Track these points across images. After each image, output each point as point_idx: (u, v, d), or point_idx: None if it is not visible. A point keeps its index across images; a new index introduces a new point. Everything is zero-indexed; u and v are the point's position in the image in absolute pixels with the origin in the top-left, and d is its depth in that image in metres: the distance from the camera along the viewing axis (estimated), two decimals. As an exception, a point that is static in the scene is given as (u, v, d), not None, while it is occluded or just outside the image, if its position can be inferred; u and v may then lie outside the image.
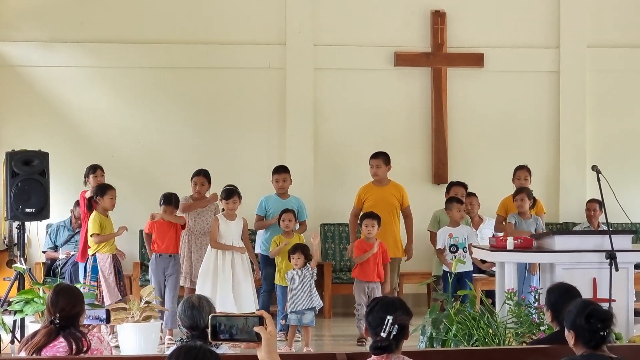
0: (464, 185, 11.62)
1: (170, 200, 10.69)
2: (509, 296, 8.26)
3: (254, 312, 3.95)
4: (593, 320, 4.89)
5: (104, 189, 10.55)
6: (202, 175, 11.14)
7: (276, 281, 10.64)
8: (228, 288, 10.34)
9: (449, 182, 12.22)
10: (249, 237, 10.92)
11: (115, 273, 10.39)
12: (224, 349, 6.07)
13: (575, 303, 5.12)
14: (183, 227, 10.71)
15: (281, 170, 11.26)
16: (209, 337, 3.85)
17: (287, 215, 10.71)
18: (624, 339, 8.30)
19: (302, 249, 10.12)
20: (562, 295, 6.19)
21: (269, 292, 10.88)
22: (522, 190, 11.17)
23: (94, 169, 11.15)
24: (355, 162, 11.80)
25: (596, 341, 4.89)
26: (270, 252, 10.69)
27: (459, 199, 11.10)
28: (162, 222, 10.61)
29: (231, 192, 10.60)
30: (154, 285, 10.38)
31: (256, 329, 3.77)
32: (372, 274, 10.43)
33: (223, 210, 10.73)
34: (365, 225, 10.49)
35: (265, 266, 10.80)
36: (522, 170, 11.75)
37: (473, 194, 11.80)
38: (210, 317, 3.81)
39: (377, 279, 10.46)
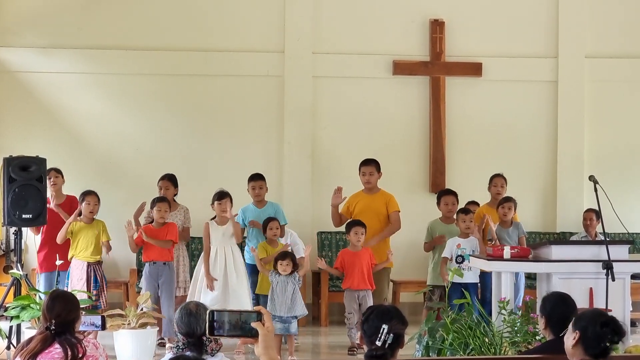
0: (454, 194, 11.51)
1: (162, 198, 10.69)
2: (502, 305, 8.28)
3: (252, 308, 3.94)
4: (606, 328, 4.86)
5: (82, 195, 10.60)
6: (167, 179, 11.16)
7: (257, 291, 10.58)
8: (215, 296, 10.29)
9: (438, 191, 12.11)
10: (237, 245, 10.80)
11: (87, 281, 10.36)
12: (221, 356, 6.07)
13: (592, 309, 5.11)
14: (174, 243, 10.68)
15: (257, 178, 11.19)
16: (207, 332, 3.85)
17: (273, 224, 10.68)
18: (620, 349, 8.29)
19: (291, 257, 10.10)
20: (557, 304, 6.19)
21: (256, 301, 10.77)
22: (509, 200, 11.15)
23: (48, 172, 11.04)
24: (352, 171, 11.76)
25: (600, 350, 4.87)
26: (260, 259, 10.60)
27: (464, 209, 11.02)
28: (155, 230, 10.59)
29: (223, 194, 10.55)
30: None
31: (253, 324, 3.77)
32: (362, 282, 10.41)
33: (214, 217, 10.69)
34: (354, 233, 10.46)
35: (250, 275, 10.71)
36: (498, 178, 11.72)
37: (476, 203, 11.75)
38: (207, 312, 3.82)
39: (367, 286, 10.44)
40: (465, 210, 10.98)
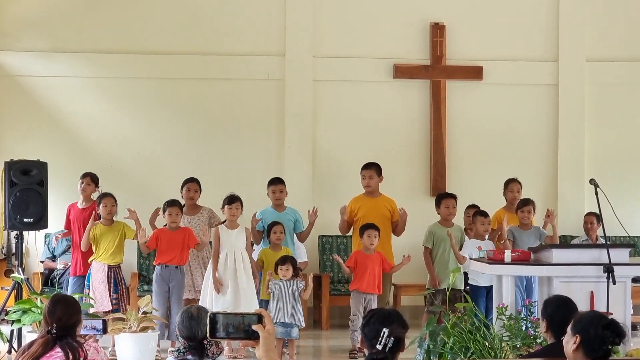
0: (453, 197, 11.43)
1: (174, 202, 10.68)
2: (500, 311, 8.28)
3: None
4: (607, 331, 4.87)
5: (99, 198, 10.59)
6: (195, 182, 11.15)
7: (260, 296, 10.51)
8: (226, 300, 10.28)
9: (437, 194, 12.09)
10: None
11: (108, 284, 10.35)
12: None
13: (590, 312, 5.11)
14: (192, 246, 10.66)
15: (277, 182, 11.24)
16: (207, 334, 3.85)
17: (278, 228, 10.67)
18: (621, 352, 8.29)
19: (291, 261, 10.08)
20: (559, 307, 6.20)
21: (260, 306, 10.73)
22: (528, 202, 11.14)
23: (83, 177, 11.09)
24: (353, 174, 11.79)
25: (603, 352, 4.87)
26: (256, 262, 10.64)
27: (483, 212, 11.00)
28: (169, 233, 10.57)
29: (234, 198, 10.55)
30: (157, 297, 10.34)
31: (254, 327, 3.77)
32: (371, 286, 10.41)
33: (225, 221, 10.67)
34: (367, 236, 10.47)
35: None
36: (514, 183, 11.71)
37: (476, 207, 11.71)
38: (208, 314, 3.82)
39: (375, 290, 10.44)
40: (484, 213, 10.95)
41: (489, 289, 10.45)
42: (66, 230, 11.12)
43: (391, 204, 11.11)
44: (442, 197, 11.32)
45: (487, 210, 11.31)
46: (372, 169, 11.14)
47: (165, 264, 10.49)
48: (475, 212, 11.05)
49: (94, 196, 10.96)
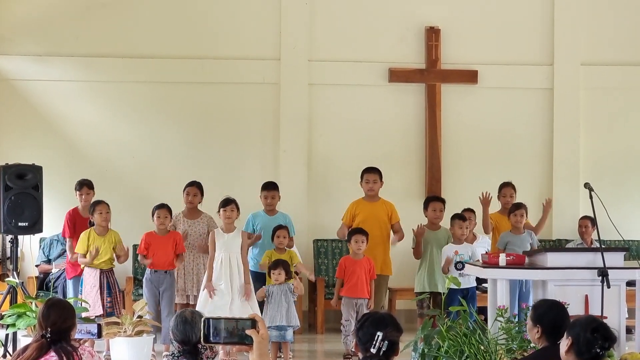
0: (441, 200, 11.44)
1: (162, 205, 10.68)
2: (499, 313, 8.27)
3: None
4: (597, 334, 4.89)
5: (92, 205, 10.57)
6: (195, 186, 11.17)
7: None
8: (223, 306, 10.28)
9: (425, 197, 12.13)
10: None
11: (100, 288, 10.35)
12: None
13: (587, 316, 5.14)
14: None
15: (270, 187, 11.26)
16: (201, 339, 3.86)
17: (282, 232, 10.68)
18: (616, 356, 8.30)
19: (283, 265, 10.10)
20: (551, 310, 6.17)
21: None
22: (520, 206, 11.16)
23: (80, 186, 11.08)
24: (348, 178, 11.82)
25: (590, 356, 4.89)
26: (260, 265, 10.67)
27: (462, 216, 11.03)
28: (158, 237, 10.59)
29: (229, 201, 10.58)
30: (147, 301, 10.34)
31: (248, 331, 3.78)
32: (361, 291, 10.42)
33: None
34: (355, 241, 10.49)
35: (254, 282, 10.70)
36: (507, 187, 11.78)
37: (471, 210, 11.74)
38: (202, 319, 3.83)
39: (365, 295, 10.45)
40: (462, 217, 10.98)
41: (465, 293, 10.45)
42: (70, 239, 11.01)
43: (389, 208, 11.15)
44: (430, 200, 11.39)
45: (481, 214, 11.34)
46: (377, 173, 11.18)
47: (154, 270, 10.54)
48: (454, 215, 11.07)
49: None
